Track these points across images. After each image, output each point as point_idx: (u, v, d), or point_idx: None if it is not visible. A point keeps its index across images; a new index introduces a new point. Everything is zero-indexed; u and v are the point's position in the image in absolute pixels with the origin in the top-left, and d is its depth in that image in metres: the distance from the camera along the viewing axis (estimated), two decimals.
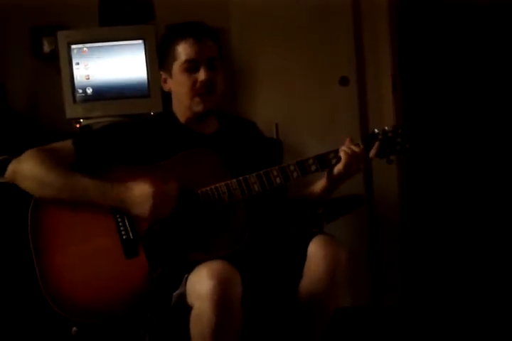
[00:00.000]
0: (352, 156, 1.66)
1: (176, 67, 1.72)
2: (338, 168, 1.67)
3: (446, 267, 3.10)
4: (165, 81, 1.78)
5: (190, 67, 1.70)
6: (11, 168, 1.64)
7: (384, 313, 2.82)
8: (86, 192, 1.59)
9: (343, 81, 2.81)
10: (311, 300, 1.63)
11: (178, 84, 1.74)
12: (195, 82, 1.71)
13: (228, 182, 1.64)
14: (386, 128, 1.71)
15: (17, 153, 1.68)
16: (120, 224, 1.62)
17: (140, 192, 1.58)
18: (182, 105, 1.76)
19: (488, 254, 3.10)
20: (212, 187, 1.64)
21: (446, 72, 3.21)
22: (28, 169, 1.61)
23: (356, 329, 2.64)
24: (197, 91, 1.71)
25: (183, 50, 1.71)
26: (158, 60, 1.82)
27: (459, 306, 2.79)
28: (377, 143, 1.68)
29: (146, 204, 1.58)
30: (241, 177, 1.65)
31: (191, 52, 1.70)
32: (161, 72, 1.79)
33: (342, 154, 1.67)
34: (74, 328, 1.70)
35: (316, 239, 1.65)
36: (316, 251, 1.63)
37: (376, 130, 1.71)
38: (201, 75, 1.70)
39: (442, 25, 3.19)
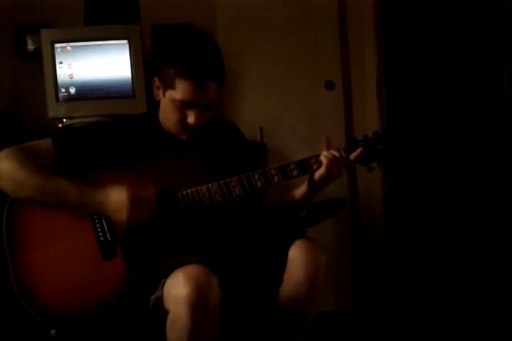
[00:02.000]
0: (332, 161, 1.66)
1: (169, 96, 1.64)
2: (319, 172, 1.67)
3: (429, 271, 3.11)
4: (158, 88, 1.70)
5: (184, 106, 1.63)
6: None
7: (367, 318, 2.82)
8: (64, 196, 1.57)
9: (329, 85, 2.82)
10: (291, 304, 1.63)
11: (166, 109, 1.67)
12: (184, 118, 1.65)
13: (209, 185, 1.63)
14: (368, 134, 1.71)
15: None
16: (98, 225, 1.60)
17: (117, 198, 1.56)
18: (167, 120, 1.71)
19: (472, 257, 3.11)
20: (193, 189, 1.63)
21: (431, 76, 3.22)
22: (5, 169, 1.58)
23: (339, 334, 2.64)
24: (184, 126, 1.66)
25: (181, 89, 1.60)
26: (154, 64, 1.73)
27: (442, 310, 2.80)
28: (359, 149, 1.68)
29: (123, 211, 1.55)
30: (222, 181, 1.64)
31: (189, 95, 1.60)
32: (155, 79, 1.69)
33: (323, 159, 1.66)
34: (52, 331, 1.69)
35: (297, 243, 1.65)
36: (296, 255, 1.62)
37: (358, 137, 1.71)
38: (191, 118, 1.63)
39: (428, 29, 3.20)
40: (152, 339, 1.63)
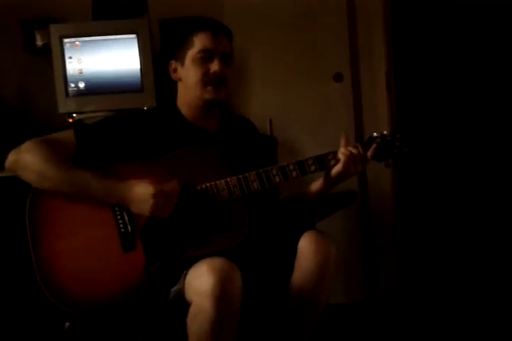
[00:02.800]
0: (350, 158, 1.68)
1: (190, 55, 1.73)
2: (336, 169, 1.69)
3: (439, 263, 3.12)
4: (174, 70, 1.78)
5: (205, 56, 1.71)
6: (12, 157, 1.63)
7: (377, 309, 2.84)
8: (87, 187, 1.59)
9: (337, 77, 2.82)
10: (301, 295, 1.65)
11: (189, 72, 1.73)
12: (207, 71, 1.71)
13: (228, 179, 1.65)
14: (385, 132, 1.73)
15: (9, 148, 1.66)
16: (119, 217, 1.62)
17: (141, 192, 1.58)
18: (190, 96, 1.75)
19: (480, 250, 3.12)
20: (212, 183, 1.64)
21: (440, 69, 3.22)
22: (28, 160, 1.60)
23: (350, 326, 2.65)
24: (209, 80, 1.71)
25: (199, 40, 1.72)
26: (169, 49, 1.83)
27: (452, 302, 2.81)
28: (374, 145, 1.69)
29: (147, 204, 1.58)
30: (241, 175, 1.65)
31: (208, 42, 1.71)
32: (172, 62, 1.78)
33: (341, 155, 1.68)
34: (67, 323, 1.70)
35: (307, 234, 1.67)
36: (306, 245, 1.65)
37: (375, 133, 1.73)
38: (215, 66, 1.71)
39: (437, 22, 3.19)
40: (169, 331, 1.64)
